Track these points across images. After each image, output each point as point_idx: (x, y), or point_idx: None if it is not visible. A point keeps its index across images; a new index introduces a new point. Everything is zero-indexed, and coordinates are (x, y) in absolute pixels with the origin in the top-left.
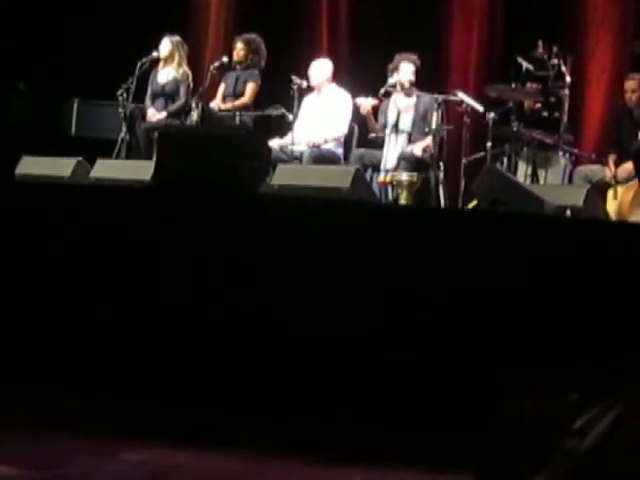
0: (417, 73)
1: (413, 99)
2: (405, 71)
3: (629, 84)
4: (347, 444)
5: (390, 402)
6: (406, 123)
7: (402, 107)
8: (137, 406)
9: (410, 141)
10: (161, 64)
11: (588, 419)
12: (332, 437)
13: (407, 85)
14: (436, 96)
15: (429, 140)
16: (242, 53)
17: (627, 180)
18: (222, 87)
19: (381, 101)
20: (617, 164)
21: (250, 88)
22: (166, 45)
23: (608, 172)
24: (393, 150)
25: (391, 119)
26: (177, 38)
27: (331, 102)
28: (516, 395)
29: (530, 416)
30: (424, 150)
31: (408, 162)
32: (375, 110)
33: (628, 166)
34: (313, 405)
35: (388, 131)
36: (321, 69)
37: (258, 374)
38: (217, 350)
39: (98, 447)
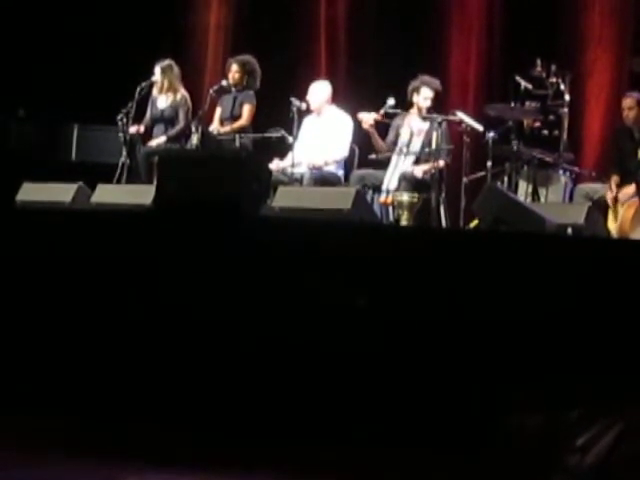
0: (436, 99)
1: (427, 123)
2: (425, 96)
3: (626, 102)
4: (348, 465)
5: (389, 421)
6: (416, 145)
7: (415, 130)
8: (139, 429)
9: (416, 163)
10: (157, 90)
11: (590, 436)
12: (333, 459)
13: (424, 111)
14: (435, 116)
15: (434, 164)
16: (237, 75)
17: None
18: (219, 110)
19: (383, 117)
20: (619, 185)
21: (247, 110)
22: (157, 73)
23: (609, 194)
24: (396, 171)
25: (403, 140)
26: (166, 62)
27: (331, 124)
28: (517, 411)
29: (531, 432)
30: (425, 172)
31: (408, 183)
32: (377, 125)
33: (629, 189)
34: (315, 427)
35: (397, 151)
36: (320, 91)
37: (260, 395)
38: (219, 372)
39: (98, 471)
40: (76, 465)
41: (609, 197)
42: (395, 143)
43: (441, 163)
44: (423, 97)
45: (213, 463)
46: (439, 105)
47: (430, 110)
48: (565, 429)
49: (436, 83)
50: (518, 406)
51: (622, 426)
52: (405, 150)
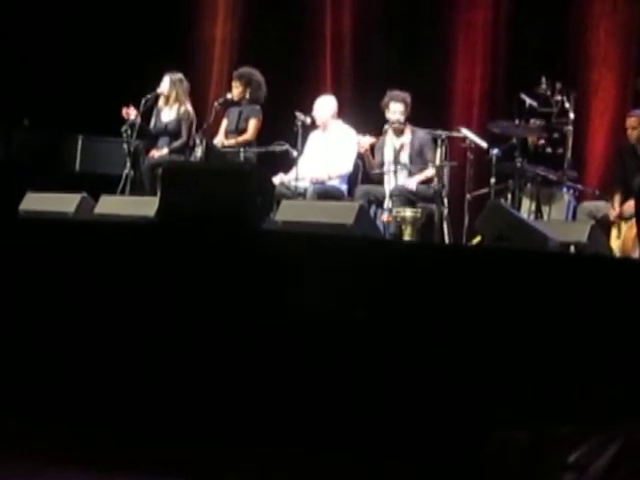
0: (409, 110)
1: (408, 136)
2: (394, 111)
3: (630, 121)
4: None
5: (377, 434)
6: (405, 159)
7: (398, 145)
8: (135, 438)
9: (410, 176)
10: (163, 102)
11: (585, 453)
12: (325, 469)
13: (396, 125)
14: (439, 132)
15: (427, 173)
16: (237, 90)
17: (632, 217)
18: (224, 123)
19: (378, 139)
20: (622, 203)
21: (252, 125)
22: (166, 83)
23: (612, 212)
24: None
25: (388, 157)
26: (178, 76)
27: (337, 139)
28: (504, 426)
29: (518, 448)
30: (421, 183)
31: (403, 197)
32: (373, 148)
33: (631, 204)
34: (312, 436)
35: (386, 169)
36: (325, 106)
37: (257, 405)
38: (216, 383)
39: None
40: (74, 473)
41: (612, 215)
42: (382, 163)
43: (432, 172)
44: (392, 111)
45: (207, 472)
46: (443, 121)
47: (405, 122)
48: (555, 444)
49: (403, 95)
50: (504, 420)
51: (621, 443)
52: (393, 167)
